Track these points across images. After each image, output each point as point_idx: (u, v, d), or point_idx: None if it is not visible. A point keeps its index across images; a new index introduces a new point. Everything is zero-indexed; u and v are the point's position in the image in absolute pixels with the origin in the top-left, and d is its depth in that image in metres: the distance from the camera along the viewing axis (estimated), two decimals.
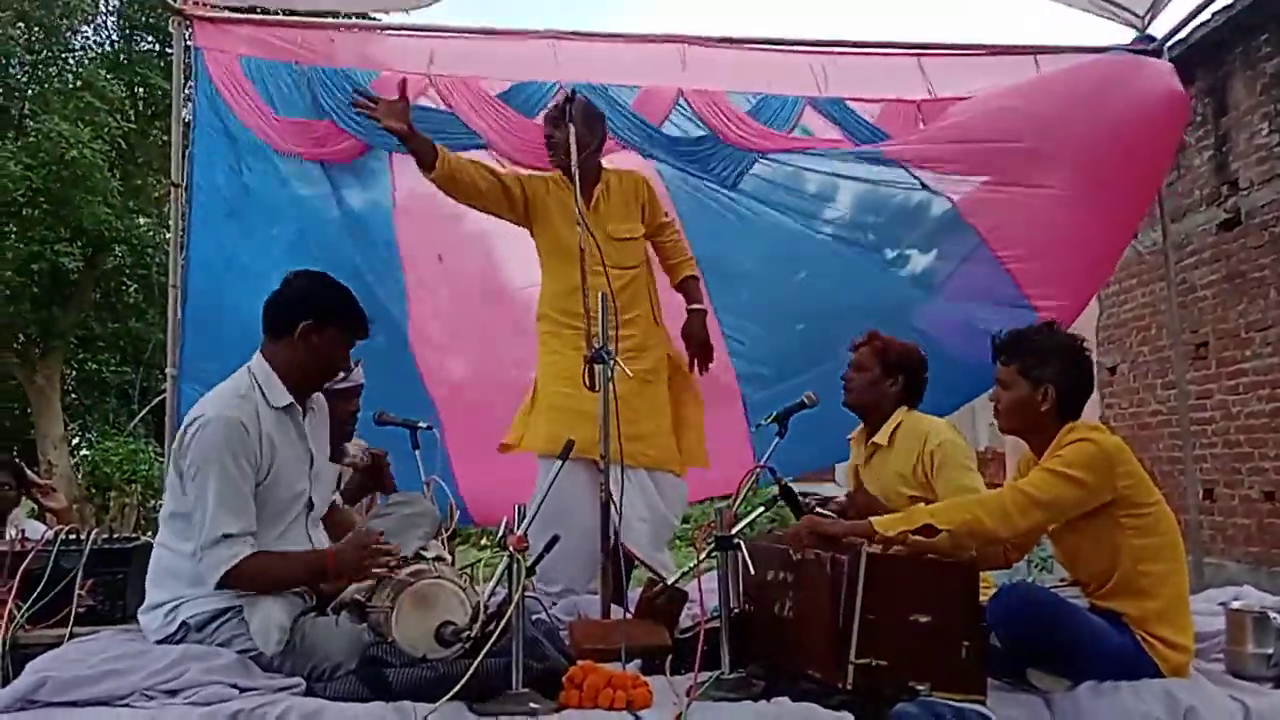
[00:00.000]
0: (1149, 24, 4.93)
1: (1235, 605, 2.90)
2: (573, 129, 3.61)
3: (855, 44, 5.14)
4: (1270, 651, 2.77)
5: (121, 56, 14.66)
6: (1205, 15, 5.95)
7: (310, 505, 2.80)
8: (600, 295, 3.44)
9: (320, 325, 2.77)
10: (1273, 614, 2.81)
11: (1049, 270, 4.68)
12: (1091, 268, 4.93)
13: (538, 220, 3.91)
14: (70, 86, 13.68)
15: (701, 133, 4.83)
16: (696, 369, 4.03)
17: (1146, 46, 4.91)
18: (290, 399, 2.76)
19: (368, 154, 4.71)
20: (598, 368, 3.35)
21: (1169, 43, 5.01)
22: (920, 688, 2.43)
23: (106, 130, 13.09)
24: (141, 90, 14.77)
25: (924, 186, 4.82)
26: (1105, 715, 2.47)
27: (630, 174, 4.07)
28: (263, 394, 2.72)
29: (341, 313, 2.83)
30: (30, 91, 14.14)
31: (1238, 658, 2.82)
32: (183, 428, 2.68)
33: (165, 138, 11.13)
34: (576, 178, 3.56)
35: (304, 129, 4.65)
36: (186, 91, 4.80)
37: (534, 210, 3.89)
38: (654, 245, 4.05)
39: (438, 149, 3.67)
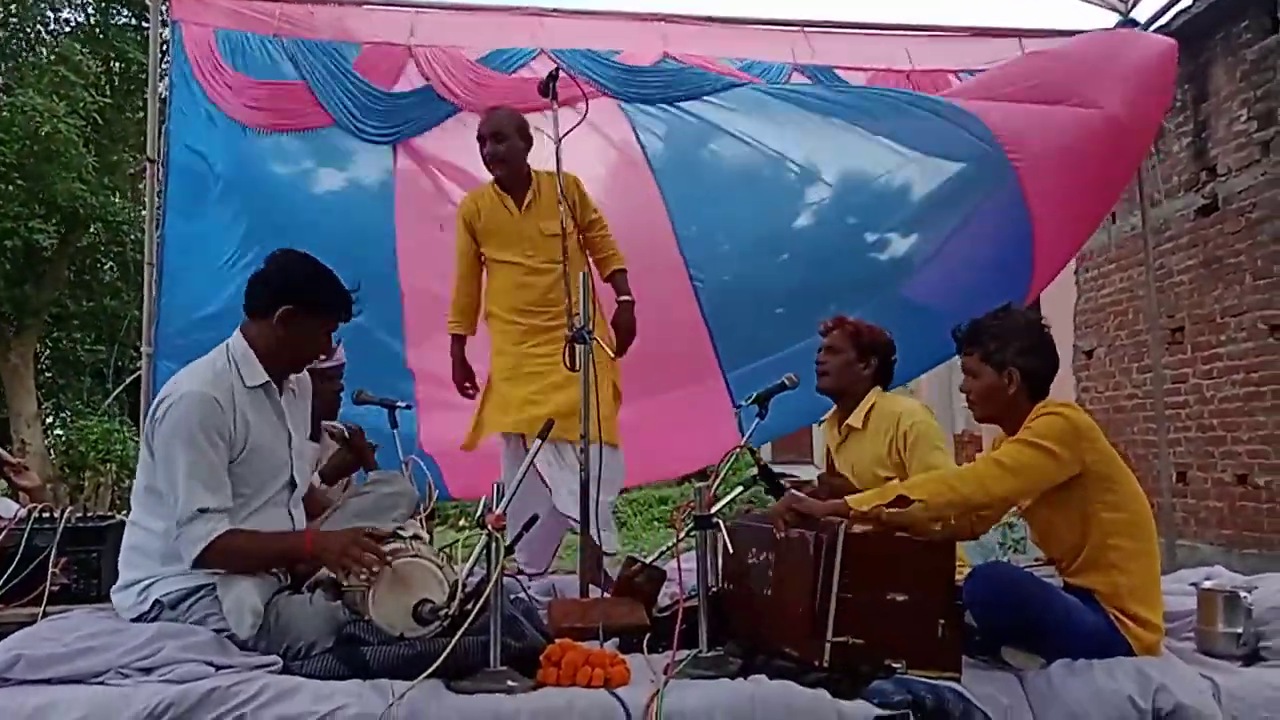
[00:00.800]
0: (1132, 8, 4.97)
1: (1206, 585, 2.94)
2: (555, 106, 3.62)
3: (839, 24, 5.16)
4: (1240, 630, 2.81)
5: (98, 30, 14.43)
6: (1187, 1, 5.99)
7: (292, 484, 2.78)
8: (581, 275, 3.49)
9: (300, 311, 2.72)
10: (1243, 593, 2.85)
11: (1058, 206, 4.63)
12: (1091, 210, 4.93)
13: (481, 236, 4.06)
14: (45, 60, 13.47)
15: (685, 66, 4.88)
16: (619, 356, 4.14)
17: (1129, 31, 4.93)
18: (266, 378, 2.73)
19: (336, 128, 4.70)
20: (579, 348, 3.38)
21: (1151, 28, 5.04)
22: (896, 665, 2.45)
23: (82, 105, 12.89)
24: (118, 64, 14.56)
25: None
26: (1078, 693, 2.50)
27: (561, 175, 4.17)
28: (238, 372, 2.70)
29: (323, 301, 2.76)
30: (4, 65, 13.93)
31: (1208, 636, 2.86)
32: (155, 403, 2.64)
33: (141, 113, 11.01)
34: (559, 151, 3.63)
35: (276, 92, 4.61)
36: (164, 66, 4.73)
37: (478, 233, 4.06)
38: (584, 239, 4.11)
39: (462, 338, 4.11)
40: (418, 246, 4.79)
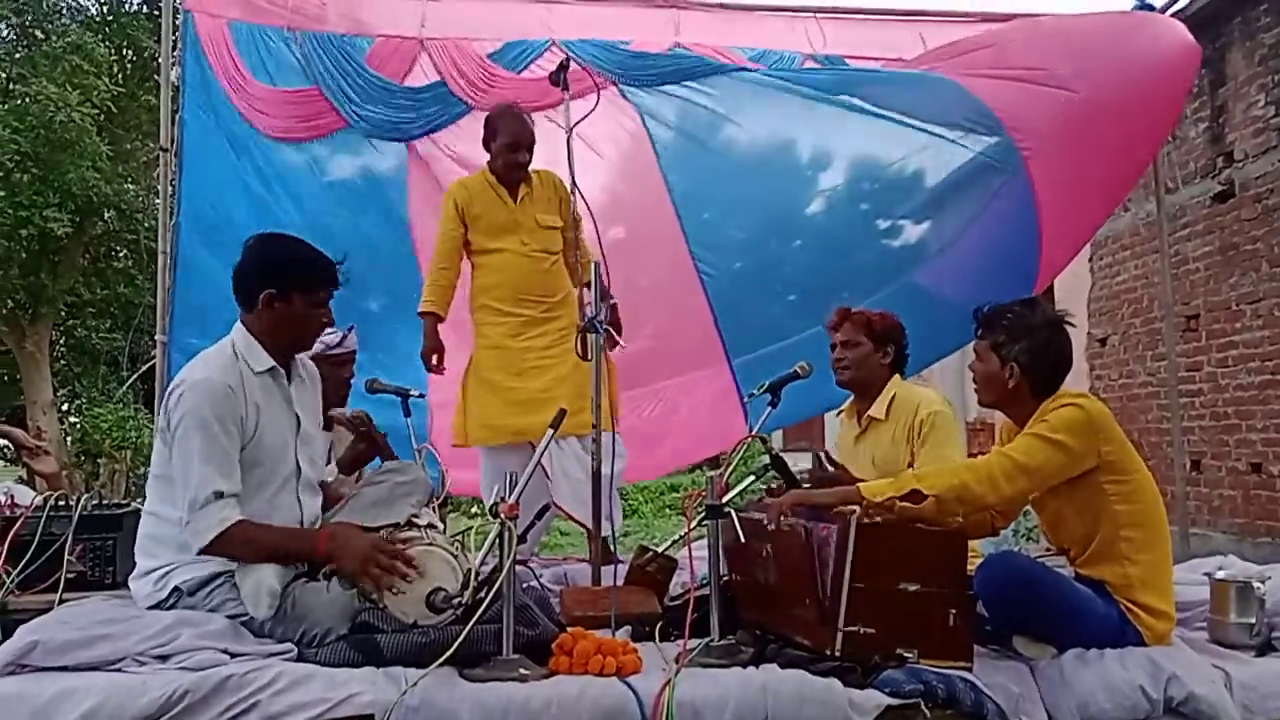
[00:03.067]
0: None
1: (1219, 575, 2.93)
2: (567, 97, 3.63)
3: (853, 10, 5.13)
4: (1253, 621, 2.80)
5: (110, 18, 14.47)
6: None
7: (298, 470, 2.78)
8: (594, 265, 3.49)
9: (283, 292, 2.72)
10: (1256, 584, 2.83)
11: (1067, 198, 4.55)
12: (1099, 203, 4.84)
13: (471, 223, 4.06)
14: (57, 49, 13.51)
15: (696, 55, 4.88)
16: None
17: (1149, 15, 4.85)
18: (272, 363, 2.75)
19: (348, 129, 4.71)
20: (590, 337, 3.38)
21: (1168, 13, 4.97)
22: (908, 655, 2.46)
23: (95, 93, 12.93)
24: (130, 53, 14.61)
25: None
26: (1089, 682, 2.50)
27: (549, 173, 4.17)
28: (245, 360, 2.71)
29: (300, 275, 2.76)
30: (17, 54, 13.97)
31: (1221, 626, 2.85)
32: (169, 391, 2.66)
33: (154, 101, 11.02)
34: (571, 142, 3.62)
35: (288, 100, 4.62)
36: (175, 54, 4.74)
37: (469, 219, 4.06)
38: (565, 240, 4.14)
39: (438, 315, 4.00)
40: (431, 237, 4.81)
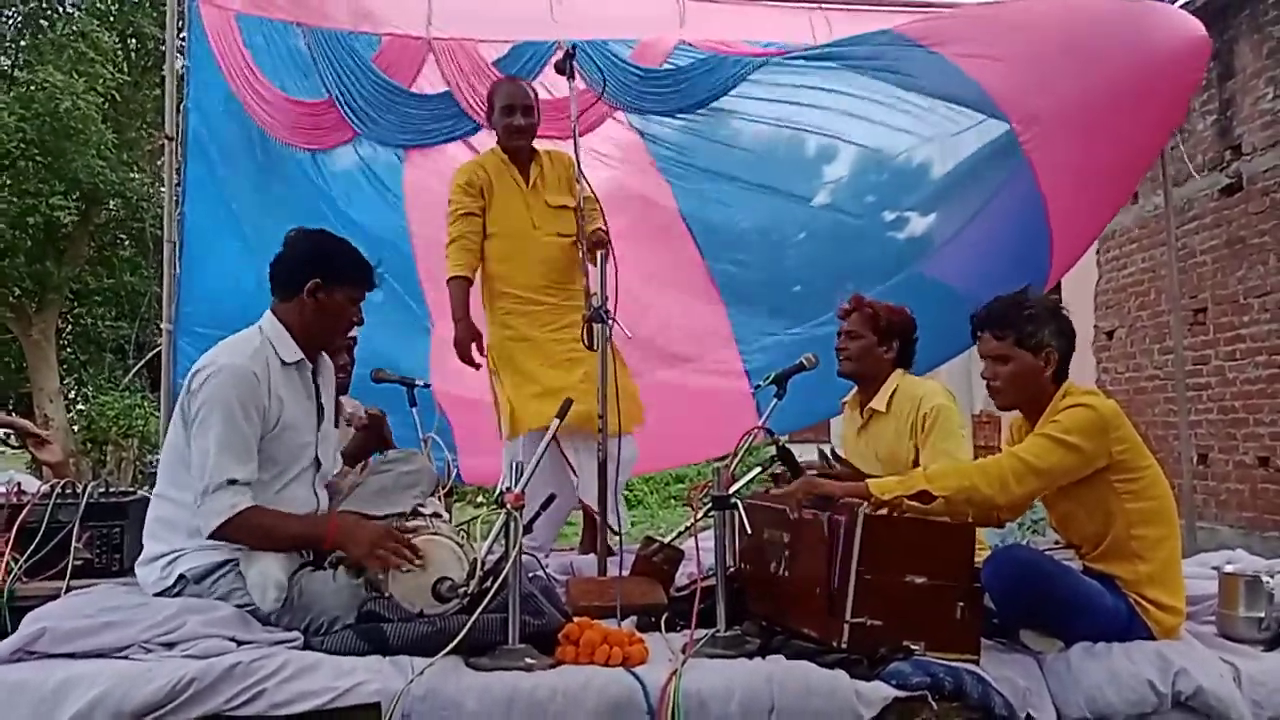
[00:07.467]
0: None
1: (1228, 569, 2.92)
2: (573, 85, 3.61)
3: (860, 1, 5.09)
4: (1261, 615, 2.79)
5: (115, 4, 14.43)
6: None
7: (318, 464, 2.79)
8: (600, 255, 3.46)
9: (328, 283, 2.75)
10: (1265, 577, 2.83)
11: (1074, 192, 4.47)
12: (1108, 195, 4.76)
13: (491, 206, 3.95)
14: (62, 36, 13.49)
15: (700, 57, 4.82)
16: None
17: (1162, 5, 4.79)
18: (301, 355, 2.75)
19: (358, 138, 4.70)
20: (596, 327, 3.37)
21: (1177, 4, 4.92)
22: (915, 647, 2.46)
23: (100, 81, 12.93)
24: (135, 41, 14.60)
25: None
26: (1097, 676, 2.49)
27: (558, 152, 4.07)
28: (274, 349, 2.71)
29: (349, 269, 2.80)
30: (22, 41, 13.96)
31: (1229, 621, 2.84)
32: (192, 373, 2.65)
33: (158, 90, 11.01)
34: (576, 132, 3.59)
35: (298, 110, 4.61)
36: (180, 42, 4.72)
37: (489, 199, 3.95)
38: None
39: (468, 279, 3.88)
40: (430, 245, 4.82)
